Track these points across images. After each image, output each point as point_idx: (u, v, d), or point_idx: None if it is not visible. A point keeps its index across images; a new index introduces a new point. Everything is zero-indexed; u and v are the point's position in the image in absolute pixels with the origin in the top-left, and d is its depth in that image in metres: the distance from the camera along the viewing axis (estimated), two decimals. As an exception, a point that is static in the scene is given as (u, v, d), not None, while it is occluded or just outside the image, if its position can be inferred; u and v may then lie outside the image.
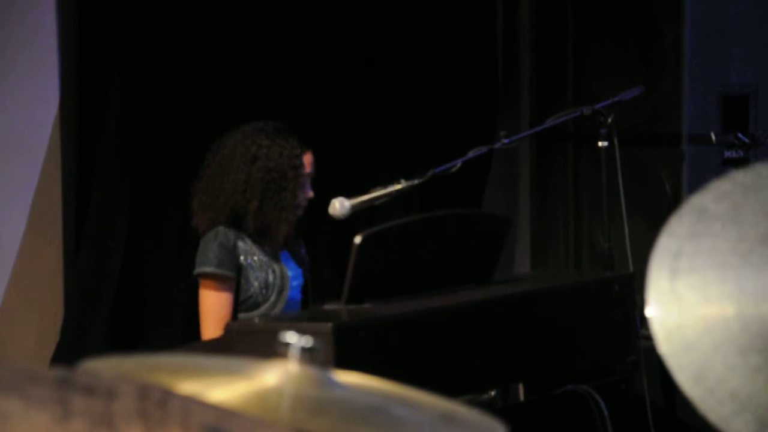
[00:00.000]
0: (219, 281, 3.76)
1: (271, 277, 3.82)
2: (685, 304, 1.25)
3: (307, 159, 3.87)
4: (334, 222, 3.73)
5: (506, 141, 3.88)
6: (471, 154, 3.83)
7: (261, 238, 3.83)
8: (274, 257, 3.86)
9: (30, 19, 4.67)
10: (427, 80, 5.33)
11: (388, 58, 5.26)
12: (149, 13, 4.75)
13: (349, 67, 5.17)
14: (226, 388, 1.02)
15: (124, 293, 4.71)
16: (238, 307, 3.81)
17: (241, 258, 3.79)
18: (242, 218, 3.79)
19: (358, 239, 3.11)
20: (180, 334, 4.53)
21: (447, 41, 5.37)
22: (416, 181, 3.70)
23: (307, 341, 1.06)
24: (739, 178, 1.31)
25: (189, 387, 1.01)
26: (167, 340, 4.52)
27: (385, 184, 3.69)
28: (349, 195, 3.65)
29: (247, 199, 3.78)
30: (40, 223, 4.68)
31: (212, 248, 3.75)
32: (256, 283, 3.80)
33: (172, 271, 4.61)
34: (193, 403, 0.84)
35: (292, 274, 3.90)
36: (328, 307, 3.22)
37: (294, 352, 1.06)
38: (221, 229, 3.78)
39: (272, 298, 3.82)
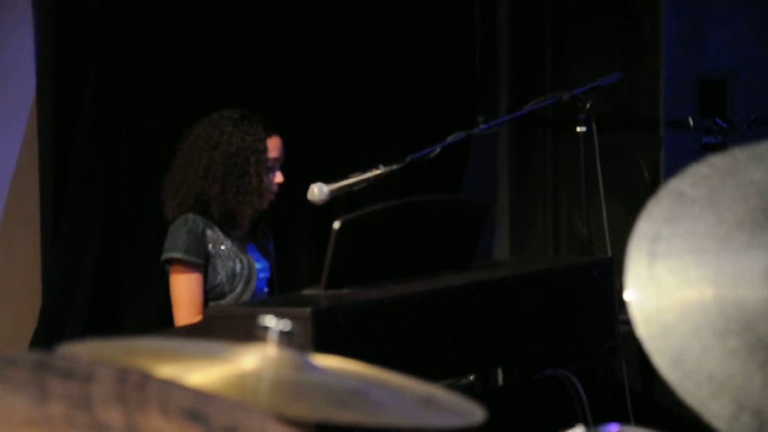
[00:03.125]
0: (187, 266, 3.77)
1: (238, 267, 3.82)
2: (663, 288, 1.26)
3: (274, 143, 3.86)
4: (313, 207, 3.73)
5: (485, 126, 3.88)
6: (450, 139, 3.83)
7: (228, 225, 3.83)
8: (242, 248, 3.86)
9: (6, 11, 4.64)
10: (405, 65, 5.33)
11: (365, 43, 5.25)
12: (126, 3, 4.73)
13: (327, 54, 5.16)
14: (205, 372, 1.02)
15: (101, 280, 4.70)
16: (205, 295, 3.81)
17: (209, 246, 3.80)
18: (207, 204, 3.80)
19: (336, 224, 3.11)
20: (157, 319, 4.52)
21: (425, 27, 5.37)
22: (395, 167, 3.70)
23: (285, 325, 1.06)
24: (716, 162, 1.32)
25: (168, 370, 1.01)
26: (145, 326, 4.52)
27: (363, 170, 3.68)
28: (327, 180, 3.65)
29: (209, 185, 3.79)
30: (18, 209, 4.66)
31: (181, 234, 3.76)
32: (223, 273, 3.81)
33: (150, 258, 4.60)
34: (171, 387, 0.84)
35: (260, 266, 3.90)
36: (307, 292, 3.22)
37: (272, 336, 1.06)
38: (190, 216, 3.79)
39: (239, 288, 3.82)
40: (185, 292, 3.76)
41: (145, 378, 0.82)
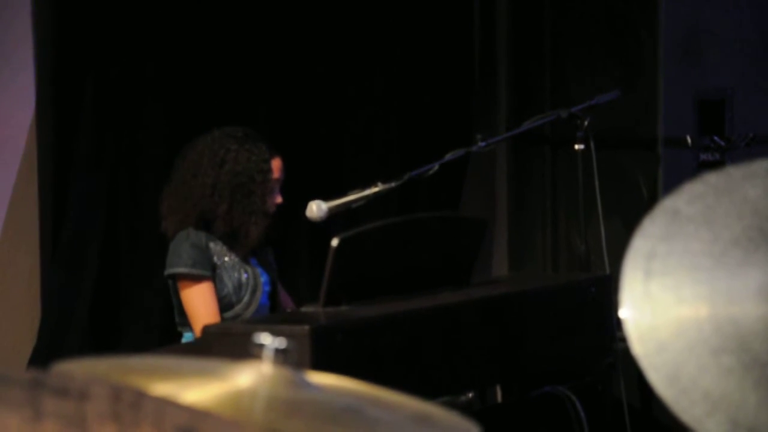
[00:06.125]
0: (196, 279, 3.75)
1: (244, 277, 3.82)
2: (658, 306, 1.26)
3: (276, 164, 3.86)
4: (312, 225, 3.73)
5: (483, 144, 3.89)
6: (448, 156, 3.83)
7: (230, 241, 3.82)
8: (244, 260, 3.86)
9: (5, 25, 4.65)
10: (404, 83, 5.34)
11: (364, 60, 5.26)
12: (125, 16, 4.75)
13: (325, 70, 5.17)
14: (200, 390, 1.02)
15: (100, 296, 4.70)
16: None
17: (215, 258, 3.79)
18: (211, 222, 3.79)
19: (335, 242, 3.11)
20: (157, 336, 4.52)
21: (424, 44, 5.38)
22: (393, 184, 3.71)
23: (281, 342, 1.06)
24: (711, 180, 1.32)
25: (162, 388, 1.01)
26: (144, 342, 4.51)
27: (362, 187, 3.69)
28: (326, 197, 3.65)
29: (216, 203, 3.77)
30: (17, 227, 4.67)
31: (185, 248, 3.74)
32: (229, 284, 3.79)
33: (149, 274, 4.61)
34: (166, 405, 0.84)
35: (263, 279, 3.89)
36: (306, 309, 3.22)
37: (268, 354, 1.06)
38: (191, 230, 3.78)
39: (246, 298, 3.81)
40: (201, 304, 3.73)
41: (140, 396, 0.83)
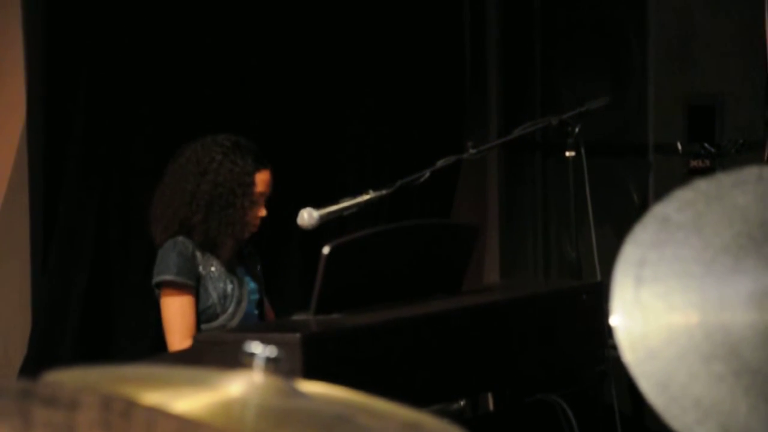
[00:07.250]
0: (180, 289, 3.75)
1: (229, 288, 3.82)
2: (649, 313, 1.26)
3: (264, 177, 3.85)
4: (303, 232, 3.73)
5: (474, 151, 3.90)
6: (439, 163, 3.84)
7: (209, 252, 3.81)
8: (232, 269, 3.86)
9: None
10: (395, 90, 5.34)
11: (355, 67, 5.26)
12: (117, 18, 4.74)
13: (317, 78, 5.17)
14: (191, 399, 1.02)
15: (91, 305, 4.69)
16: (197, 317, 3.80)
17: (200, 268, 3.79)
18: (190, 230, 3.79)
19: (326, 250, 3.11)
20: (148, 345, 4.52)
21: (414, 51, 5.39)
22: (384, 192, 3.71)
23: (271, 351, 1.06)
24: (701, 187, 1.32)
25: (153, 398, 1.01)
26: (135, 351, 4.51)
27: (353, 195, 3.69)
28: (317, 205, 3.65)
29: (193, 211, 3.78)
30: (7, 235, 4.66)
31: (172, 257, 3.75)
32: (214, 294, 3.80)
33: (140, 282, 4.60)
34: (156, 414, 0.84)
35: (250, 288, 3.89)
36: (297, 317, 3.22)
37: (259, 363, 1.06)
38: (180, 238, 3.78)
39: (231, 309, 3.81)
40: (177, 316, 3.74)
41: (130, 405, 0.83)
